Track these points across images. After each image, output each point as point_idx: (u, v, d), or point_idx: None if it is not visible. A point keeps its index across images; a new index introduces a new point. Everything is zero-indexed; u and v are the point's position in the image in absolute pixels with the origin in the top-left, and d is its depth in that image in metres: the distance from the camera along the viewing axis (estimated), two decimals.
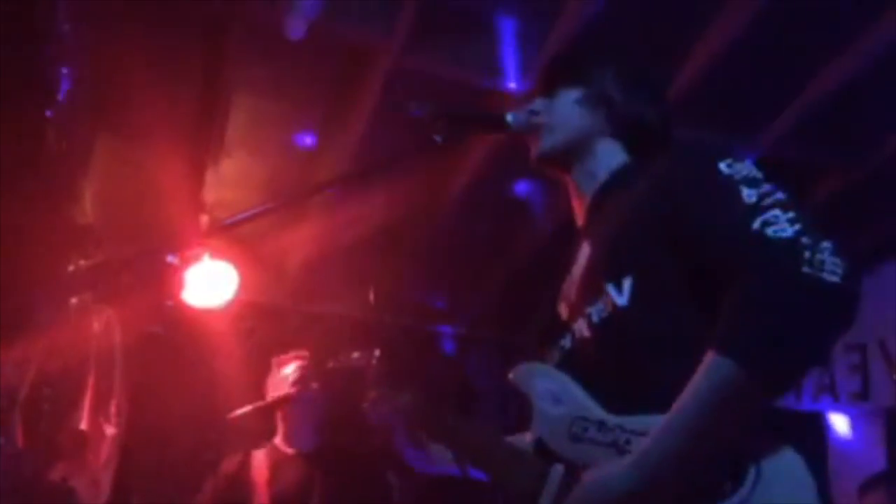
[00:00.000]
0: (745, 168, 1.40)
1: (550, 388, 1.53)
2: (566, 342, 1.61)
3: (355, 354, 2.33)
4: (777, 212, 1.29)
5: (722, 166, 1.41)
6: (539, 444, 1.54)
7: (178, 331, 4.38)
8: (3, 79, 2.50)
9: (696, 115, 3.48)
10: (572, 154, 1.72)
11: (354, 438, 3.20)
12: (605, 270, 1.52)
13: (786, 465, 1.27)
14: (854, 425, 4.76)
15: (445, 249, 4.91)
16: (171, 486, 4.39)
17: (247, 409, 3.54)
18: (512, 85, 3.62)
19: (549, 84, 1.78)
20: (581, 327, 1.56)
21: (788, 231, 1.27)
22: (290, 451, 3.31)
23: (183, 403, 4.64)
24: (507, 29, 3.58)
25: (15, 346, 2.79)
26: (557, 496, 1.44)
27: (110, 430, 3.50)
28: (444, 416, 1.86)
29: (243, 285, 4.21)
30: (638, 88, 1.74)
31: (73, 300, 3.11)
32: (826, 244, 1.25)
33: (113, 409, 3.53)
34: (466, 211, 4.54)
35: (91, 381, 3.38)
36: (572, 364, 1.57)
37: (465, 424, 1.84)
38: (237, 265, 4.16)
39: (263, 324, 5.11)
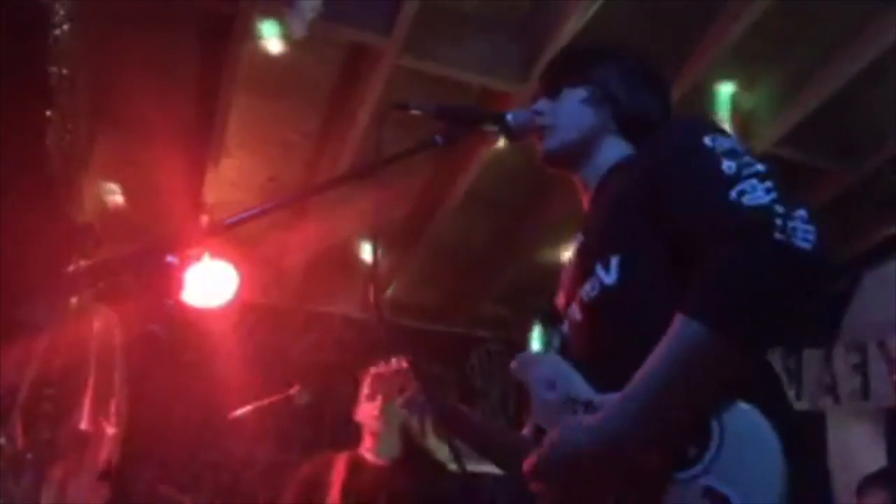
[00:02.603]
0: (729, 142, 1.42)
1: (546, 374, 1.55)
2: (564, 328, 1.63)
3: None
4: (754, 181, 1.32)
5: (706, 140, 1.42)
6: (538, 430, 1.56)
7: (178, 331, 4.37)
8: (3, 79, 2.50)
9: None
10: (579, 153, 1.73)
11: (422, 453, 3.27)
12: (593, 251, 1.55)
13: (748, 422, 1.25)
14: (854, 425, 4.75)
15: (446, 249, 4.91)
16: (171, 486, 4.39)
17: (247, 408, 3.55)
18: (511, 85, 3.62)
19: (552, 85, 1.79)
20: (574, 311, 1.58)
21: (764, 199, 1.29)
22: (369, 458, 3.36)
23: (183, 403, 4.64)
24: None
25: (15, 346, 2.79)
26: None
27: (110, 430, 3.50)
28: (449, 405, 1.88)
29: (243, 285, 4.22)
30: (641, 85, 1.76)
31: (73, 300, 3.11)
32: (800, 212, 1.27)
33: (113, 409, 3.53)
34: (467, 210, 4.53)
35: (91, 381, 3.38)
36: (570, 348, 1.59)
37: (466, 413, 1.87)
38: (237, 265, 4.17)
39: (263, 324, 5.11)
